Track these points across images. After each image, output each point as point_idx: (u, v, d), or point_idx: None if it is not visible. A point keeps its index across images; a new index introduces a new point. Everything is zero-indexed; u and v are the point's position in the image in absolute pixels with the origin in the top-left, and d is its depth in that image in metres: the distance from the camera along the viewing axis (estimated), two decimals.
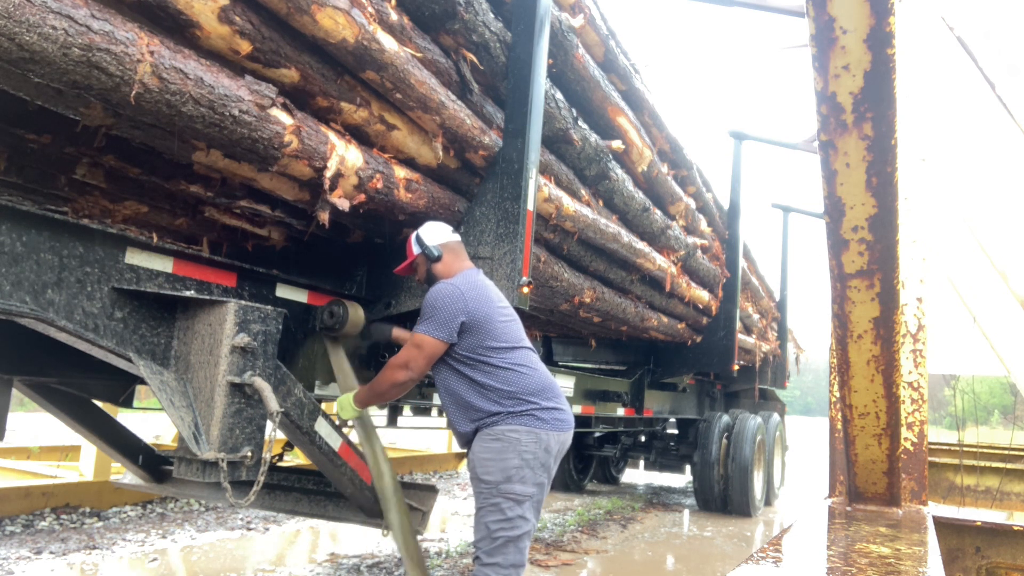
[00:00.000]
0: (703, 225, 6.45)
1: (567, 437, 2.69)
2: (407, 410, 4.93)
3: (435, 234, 2.79)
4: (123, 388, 3.33)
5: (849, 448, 3.02)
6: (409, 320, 3.54)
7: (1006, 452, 5.83)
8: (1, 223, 1.90)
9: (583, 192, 4.13)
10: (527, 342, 2.75)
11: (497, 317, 2.63)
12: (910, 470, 3.45)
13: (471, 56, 3.02)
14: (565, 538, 5.99)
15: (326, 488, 3.44)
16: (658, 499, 8.90)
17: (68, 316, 2.03)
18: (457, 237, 2.86)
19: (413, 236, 2.81)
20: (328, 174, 2.40)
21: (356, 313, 2.93)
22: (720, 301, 6.99)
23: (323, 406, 2.81)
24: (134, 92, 1.77)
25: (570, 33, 3.68)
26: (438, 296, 2.58)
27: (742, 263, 7.40)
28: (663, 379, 7.32)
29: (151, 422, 8.64)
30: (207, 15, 1.96)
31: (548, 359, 7.48)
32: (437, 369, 2.66)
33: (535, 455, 2.53)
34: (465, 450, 2.78)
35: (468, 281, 2.66)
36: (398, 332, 3.05)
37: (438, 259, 2.75)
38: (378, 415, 5.22)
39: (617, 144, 4.22)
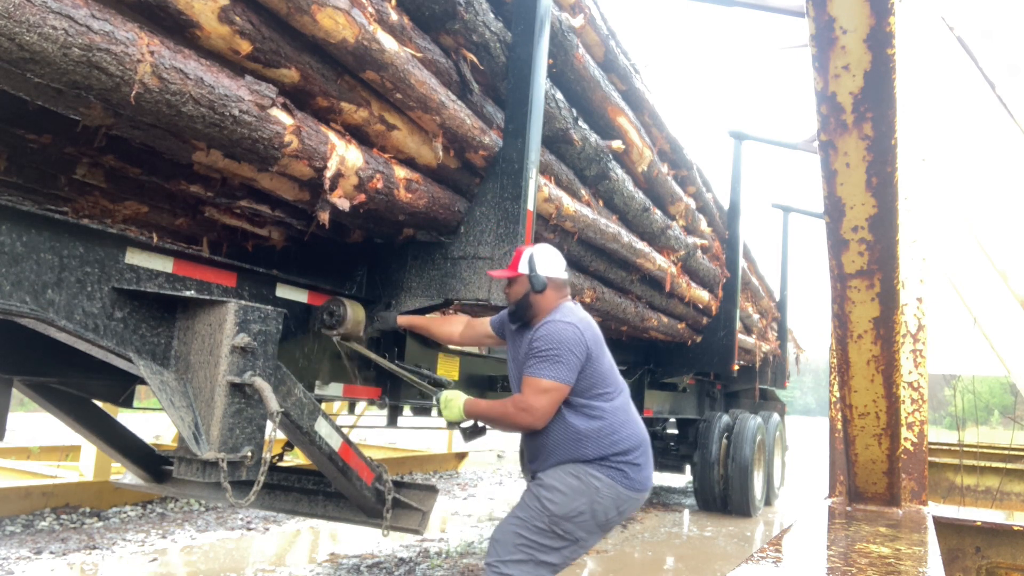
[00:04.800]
0: (703, 225, 6.45)
1: (642, 499, 2.59)
2: (407, 410, 4.93)
3: (550, 265, 2.67)
4: (123, 388, 3.33)
5: (849, 448, 3.02)
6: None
7: (1006, 452, 5.82)
8: (1, 223, 1.90)
9: (583, 192, 4.13)
10: (622, 383, 2.66)
11: (605, 358, 2.56)
12: (910, 470, 3.45)
13: (471, 56, 3.02)
14: None
15: (326, 488, 3.44)
16: (658, 499, 8.90)
17: (68, 316, 2.03)
18: (566, 275, 2.75)
19: (528, 254, 2.67)
20: (328, 174, 2.40)
21: (356, 312, 2.93)
22: (720, 301, 6.99)
23: (323, 406, 2.81)
24: (134, 92, 1.77)
25: (570, 33, 3.68)
26: (562, 338, 2.46)
27: (742, 263, 7.40)
28: (663, 379, 7.32)
29: (151, 422, 8.64)
30: (207, 15, 1.96)
31: None
32: None
33: (604, 510, 2.46)
34: (527, 471, 2.68)
35: (582, 320, 2.56)
36: (404, 319, 2.97)
37: (541, 291, 2.63)
38: (378, 415, 5.22)
39: (617, 144, 4.22)
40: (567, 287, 2.74)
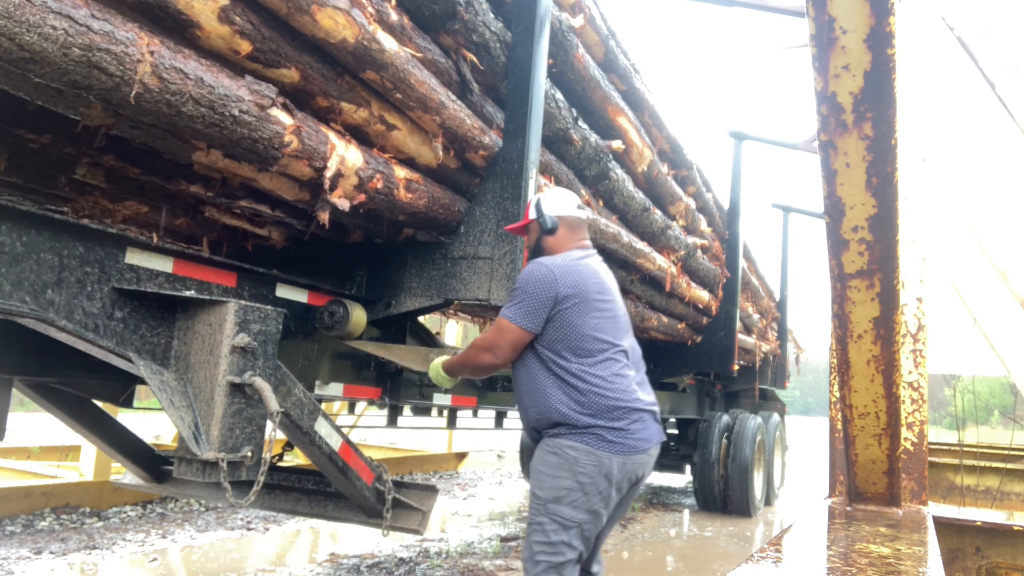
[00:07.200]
0: (703, 225, 6.45)
1: (638, 460, 2.33)
2: (407, 410, 4.93)
3: (557, 204, 2.53)
4: (123, 388, 3.33)
5: (849, 448, 3.02)
6: (408, 319, 3.54)
7: (1006, 452, 5.82)
8: (1, 223, 1.90)
9: (583, 192, 4.13)
10: (621, 341, 2.44)
11: (589, 310, 2.33)
12: (910, 470, 3.45)
13: (471, 56, 3.02)
14: None
15: (326, 488, 3.44)
16: (658, 499, 8.90)
17: (68, 316, 2.03)
18: (582, 213, 2.58)
19: (535, 198, 2.56)
20: (328, 174, 2.40)
21: (357, 313, 2.93)
22: (720, 301, 6.99)
23: (323, 406, 2.81)
24: (134, 92, 1.77)
25: (570, 33, 3.68)
26: (529, 279, 2.32)
27: (742, 263, 7.41)
28: (663, 379, 7.32)
29: (151, 422, 8.64)
30: (207, 15, 1.96)
31: None
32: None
33: (592, 480, 2.24)
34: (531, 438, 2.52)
35: (567, 264, 2.37)
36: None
37: (551, 231, 2.49)
38: (378, 415, 5.22)
39: (617, 144, 4.22)
40: (583, 228, 2.57)
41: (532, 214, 2.56)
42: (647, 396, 2.44)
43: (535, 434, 2.42)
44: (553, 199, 2.56)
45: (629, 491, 2.41)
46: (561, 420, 2.29)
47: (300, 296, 2.91)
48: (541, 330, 2.32)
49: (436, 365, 2.65)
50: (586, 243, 2.57)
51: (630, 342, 2.50)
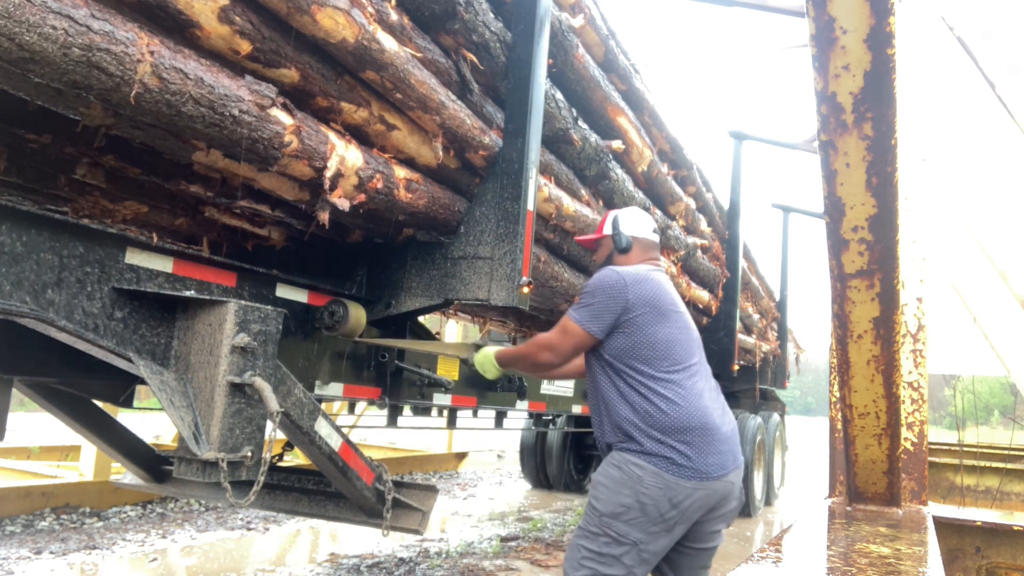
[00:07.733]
0: (703, 225, 6.45)
1: (712, 488, 2.22)
2: (407, 410, 4.93)
3: (635, 224, 2.53)
4: (123, 388, 3.33)
5: (849, 448, 3.02)
6: (408, 319, 3.54)
7: (1006, 452, 5.82)
8: (1, 223, 1.90)
9: (583, 192, 4.13)
10: (694, 356, 2.35)
11: (663, 320, 2.28)
12: (910, 470, 3.45)
13: (471, 56, 3.02)
14: (565, 538, 5.98)
15: (326, 488, 3.44)
16: None
17: (68, 316, 2.03)
18: (656, 237, 2.58)
19: (612, 215, 2.56)
20: (328, 174, 2.40)
21: (357, 313, 2.93)
22: (720, 301, 6.99)
23: (323, 406, 2.81)
24: (134, 92, 1.77)
25: (570, 33, 3.68)
26: (600, 282, 2.29)
27: (742, 263, 7.41)
28: None
29: (151, 422, 8.64)
30: (207, 15, 1.96)
31: None
32: (588, 361, 2.40)
33: (655, 503, 2.13)
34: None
35: (638, 273, 2.33)
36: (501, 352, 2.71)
37: (625, 250, 2.50)
38: (378, 415, 5.22)
39: (617, 144, 4.22)
40: (655, 251, 2.56)
41: (607, 230, 2.55)
42: (722, 416, 2.32)
43: (606, 445, 2.34)
44: (631, 218, 2.54)
45: (710, 520, 2.31)
46: (632, 434, 2.21)
47: (300, 296, 2.91)
48: (606, 336, 2.29)
49: (489, 354, 2.63)
50: (657, 262, 2.55)
51: (702, 359, 2.42)
